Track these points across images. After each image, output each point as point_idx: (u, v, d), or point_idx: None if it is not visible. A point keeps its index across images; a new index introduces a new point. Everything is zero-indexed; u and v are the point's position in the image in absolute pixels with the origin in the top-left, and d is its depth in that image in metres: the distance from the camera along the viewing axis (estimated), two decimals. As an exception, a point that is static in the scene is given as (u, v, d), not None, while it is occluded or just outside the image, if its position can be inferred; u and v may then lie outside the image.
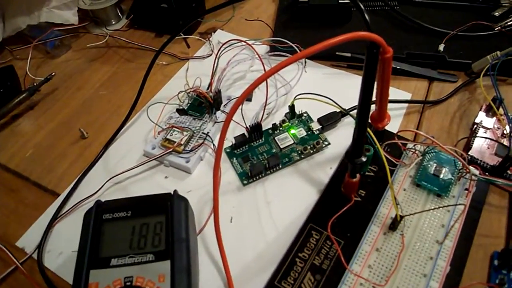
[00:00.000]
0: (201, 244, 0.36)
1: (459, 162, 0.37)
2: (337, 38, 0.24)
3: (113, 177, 0.40)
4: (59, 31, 0.54)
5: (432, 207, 0.35)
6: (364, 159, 0.32)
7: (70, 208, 0.39)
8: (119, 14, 0.59)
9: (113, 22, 0.58)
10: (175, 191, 0.33)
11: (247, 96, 0.25)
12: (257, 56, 0.47)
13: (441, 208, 0.35)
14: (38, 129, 0.46)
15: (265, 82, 0.43)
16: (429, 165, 0.37)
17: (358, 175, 0.34)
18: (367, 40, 0.25)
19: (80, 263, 0.30)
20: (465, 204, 0.34)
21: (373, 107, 0.33)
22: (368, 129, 0.33)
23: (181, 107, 0.44)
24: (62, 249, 0.36)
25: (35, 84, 0.48)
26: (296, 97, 0.42)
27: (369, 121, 0.34)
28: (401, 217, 0.33)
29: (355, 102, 0.28)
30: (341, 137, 0.42)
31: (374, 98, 0.31)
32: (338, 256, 0.33)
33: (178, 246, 0.30)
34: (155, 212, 0.32)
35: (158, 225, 0.31)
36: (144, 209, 0.32)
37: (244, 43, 0.43)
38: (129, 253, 0.30)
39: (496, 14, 0.54)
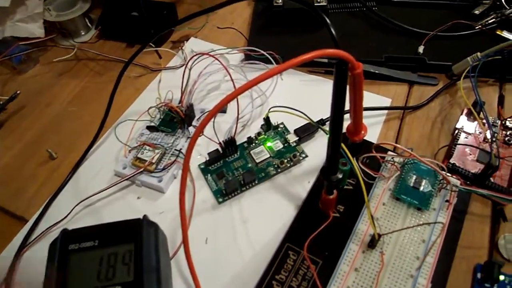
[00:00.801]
0: (175, 267, 0.35)
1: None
2: (305, 56, 0.22)
3: (83, 201, 0.38)
4: (24, 45, 0.51)
5: (412, 223, 0.34)
6: (340, 175, 0.31)
7: (38, 236, 0.37)
8: (88, 24, 0.56)
9: (82, 33, 0.56)
10: (144, 216, 0.32)
11: (213, 116, 0.23)
12: (230, 64, 0.45)
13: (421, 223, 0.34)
14: (4, 151, 0.44)
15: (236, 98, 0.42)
16: (408, 177, 0.36)
17: (335, 191, 0.33)
18: (335, 57, 0.24)
19: (45, 299, 0.28)
20: (443, 223, 0.33)
21: (350, 119, 0.32)
22: (343, 145, 0.31)
23: (152, 123, 0.42)
24: (31, 279, 0.35)
25: (0, 103, 0.46)
26: (270, 110, 0.40)
27: (345, 133, 0.33)
28: (379, 235, 0.31)
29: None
30: (318, 148, 0.41)
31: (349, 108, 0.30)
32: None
33: (148, 276, 0.29)
34: (124, 240, 0.30)
35: (127, 254, 0.30)
36: (112, 237, 0.31)
37: (215, 55, 0.41)
38: (96, 285, 0.28)
39: (476, 12, 0.52)
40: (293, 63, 0.22)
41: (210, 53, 0.40)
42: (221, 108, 0.23)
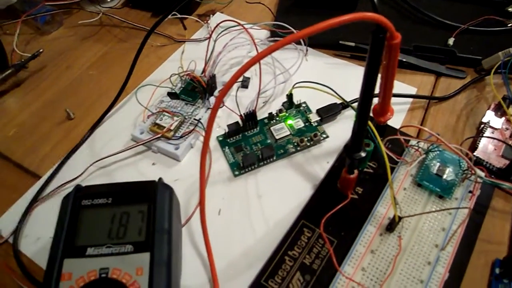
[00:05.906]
0: (186, 236, 0.34)
1: (464, 163, 0.35)
2: (340, 18, 0.22)
3: (97, 161, 0.38)
4: (50, 6, 0.51)
5: (433, 209, 0.33)
6: (363, 154, 0.30)
7: (51, 192, 0.36)
8: (115, -10, 0.56)
9: (109, 0, 0.56)
10: (160, 179, 0.31)
11: (238, 79, 0.23)
12: (256, 39, 0.44)
13: (442, 211, 0.33)
14: (23, 108, 0.44)
15: (259, 67, 0.41)
16: (432, 164, 0.35)
17: (356, 171, 0.32)
18: (373, 22, 0.23)
19: (54, 251, 0.28)
20: (469, 208, 0.32)
21: (375, 100, 0.31)
22: (369, 123, 0.30)
23: (173, 91, 0.41)
24: (40, 235, 0.34)
25: (22, 60, 0.46)
26: (295, 85, 0.39)
27: (371, 114, 0.32)
28: (400, 218, 0.30)
29: (357, 94, 0.26)
30: (340, 130, 0.40)
31: (377, 90, 0.29)
32: (329, 256, 0.31)
33: (159, 237, 0.28)
34: (137, 200, 0.30)
35: (140, 214, 0.29)
36: (126, 196, 0.30)
37: (241, 27, 0.40)
38: (107, 242, 0.28)
39: (510, 9, 0.51)
40: (331, 23, 0.21)
41: (239, 23, 0.39)
42: (245, 70, 0.22)
